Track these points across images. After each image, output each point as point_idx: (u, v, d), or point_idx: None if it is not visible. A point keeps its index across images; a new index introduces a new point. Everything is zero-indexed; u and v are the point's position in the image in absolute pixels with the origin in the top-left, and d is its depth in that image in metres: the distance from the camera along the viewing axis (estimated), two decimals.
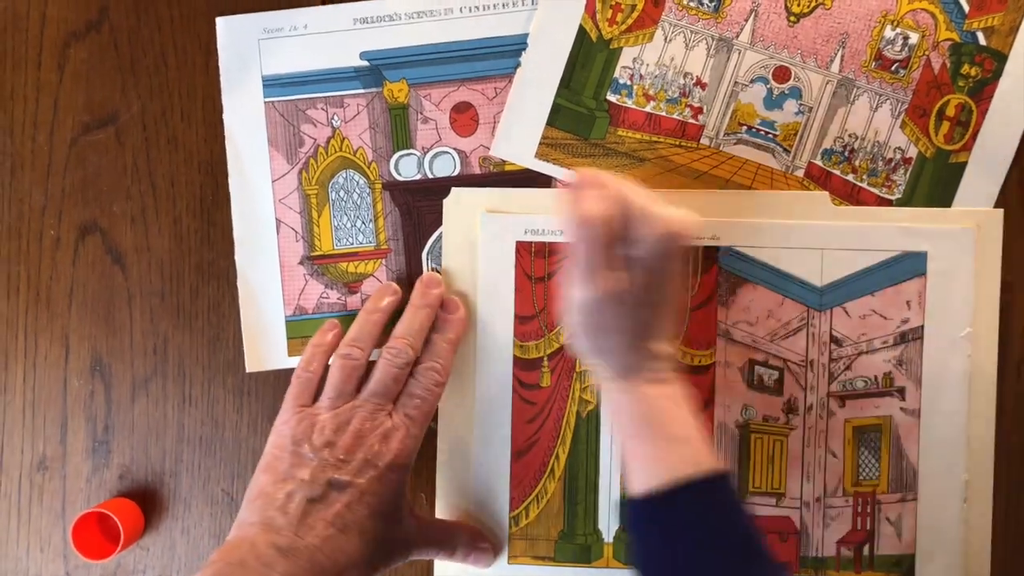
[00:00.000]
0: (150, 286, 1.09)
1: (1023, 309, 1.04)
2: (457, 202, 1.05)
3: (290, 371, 1.03)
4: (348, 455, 0.96)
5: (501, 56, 1.05)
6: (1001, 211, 1.03)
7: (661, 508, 0.89)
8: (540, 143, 1.05)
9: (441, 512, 1.07)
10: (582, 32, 1.04)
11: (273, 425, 1.00)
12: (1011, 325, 1.04)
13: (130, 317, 1.09)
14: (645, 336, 0.92)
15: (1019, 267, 1.04)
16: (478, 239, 1.05)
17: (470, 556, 1.05)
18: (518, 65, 1.04)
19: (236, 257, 1.07)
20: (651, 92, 1.05)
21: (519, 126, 1.05)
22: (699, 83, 1.04)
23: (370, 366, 1.01)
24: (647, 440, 0.92)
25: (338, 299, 1.07)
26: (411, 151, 1.06)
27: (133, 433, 1.09)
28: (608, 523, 1.06)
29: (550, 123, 1.05)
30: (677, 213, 0.91)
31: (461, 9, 1.04)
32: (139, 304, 1.09)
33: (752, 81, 1.04)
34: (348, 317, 1.05)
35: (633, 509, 0.92)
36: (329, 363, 1.03)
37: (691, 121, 1.05)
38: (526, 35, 1.04)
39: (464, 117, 1.06)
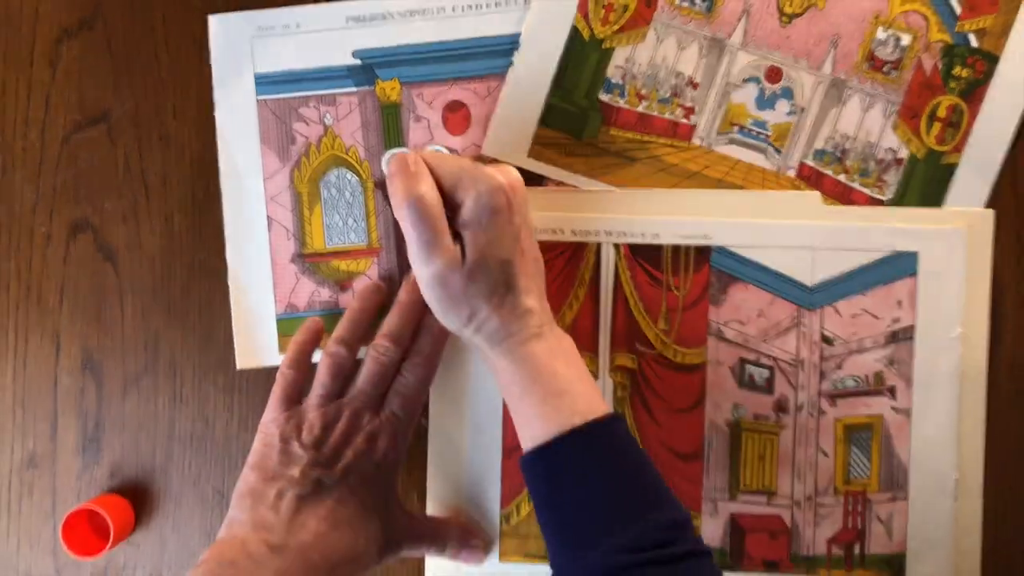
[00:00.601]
0: (141, 283, 1.09)
1: (1013, 309, 1.04)
2: None
3: None
4: (337, 452, 0.97)
5: (493, 55, 1.05)
6: (992, 212, 1.03)
7: (545, 458, 0.91)
8: (532, 142, 1.05)
9: (432, 509, 1.07)
10: (575, 32, 1.04)
11: (260, 423, 1.00)
12: (1001, 325, 1.04)
13: (121, 314, 1.09)
14: (505, 294, 0.93)
15: (1010, 268, 1.04)
16: None
17: (461, 553, 1.05)
18: (511, 64, 1.04)
19: (227, 255, 1.07)
20: (643, 92, 1.05)
21: (511, 125, 1.05)
22: (691, 83, 1.04)
23: (357, 364, 1.02)
24: (534, 399, 0.92)
25: (329, 297, 1.07)
26: (403, 149, 1.06)
27: (124, 430, 1.09)
28: None
29: (542, 122, 1.05)
30: (492, 168, 0.94)
31: (454, 8, 1.04)
32: (130, 301, 1.09)
33: (744, 81, 1.04)
34: (339, 315, 1.05)
35: (524, 465, 0.93)
36: (315, 361, 1.03)
37: (683, 121, 1.05)
38: (519, 34, 1.04)
39: (456, 116, 1.05)
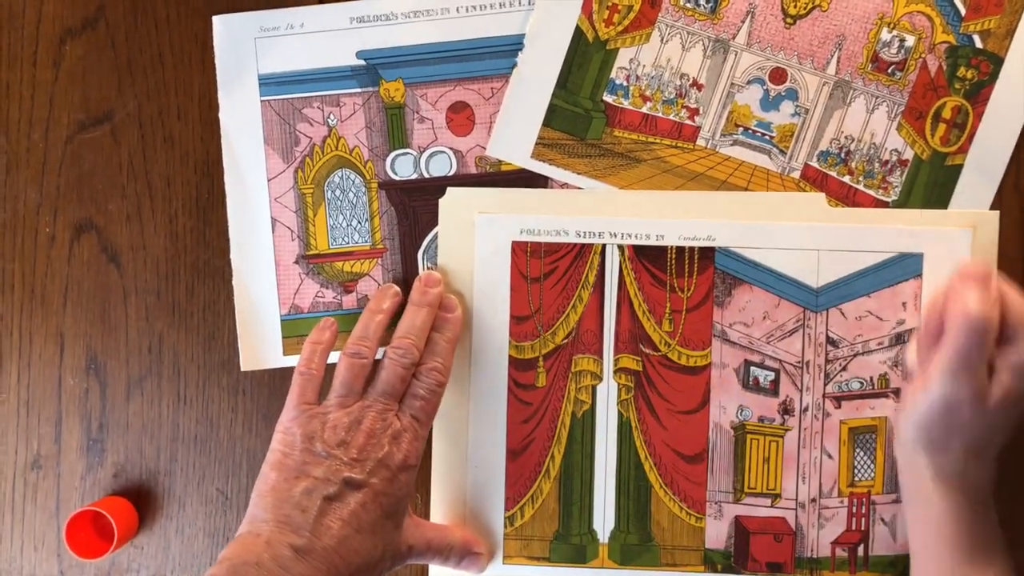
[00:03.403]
0: (145, 284, 1.09)
1: None
2: (453, 202, 1.05)
3: (285, 370, 1.03)
4: (362, 455, 0.96)
5: (497, 56, 1.05)
6: (997, 213, 1.03)
7: None
8: (536, 143, 1.05)
9: (437, 512, 1.07)
10: (578, 33, 1.04)
11: (278, 423, 0.99)
12: None
13: (125, 315, 1.09)
14: (990, 444, 0.94)
15: (1014, 270, 1.03)
16: (474, 239, 1.05)
17: (463, 561, 1.04)
18: (515, 65, 1.04)
19: (231, 256, 1.07)
20: (647, 93, 1.05)
21: (515, 126, 1.05)
22: (695, 84, 1.04)
23: (375, 366, 1.01)
24: (967, 556, 0.94)
25: (333, 298, 1.07)
26: (407, 150, 1.06)
27: (128, 432, 1.09)
28: (603, 523, 1.06)
29: (546, 123, 1.05)
30: None
31: (458, 9, 1.04)
32: (134, 302, 1.09)
33: (748, 82, 1.04)
34: (344, 317, 1.05)
35: None
36: (331, 361, 1.03)
37: (687, 122, 1.05)
38: (523, 35, 1.04)
39: (460, 117, 1.05)
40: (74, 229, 1.08)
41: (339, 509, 0.94)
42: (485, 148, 1.06)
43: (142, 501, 1.09)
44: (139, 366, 1.09)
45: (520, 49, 1.04)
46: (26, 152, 1.08)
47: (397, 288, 1.05)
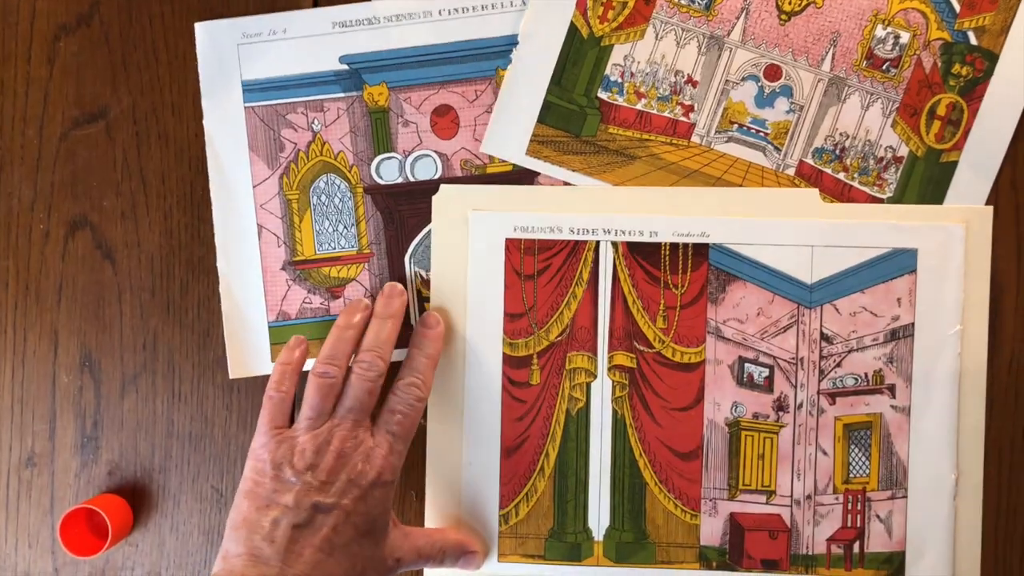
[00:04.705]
0: (140, 281, 1.09)
1: (1012, 307, 1.04)
2: (446, 199, 1.05)
3: None
4: (331, 476, 0.96)
5: (481, 59, 1.04)
6: (991, 208, 1.03)
7: None
8: (531, 140, 1.05)
9: (431, 510, 1.07)
10: (573, 29, 1.04)
11: (250, 449, 0.99)
12: (1001, 323, 1.04)
13: (120, 312, 1.09)
14: None
15: (1009, 265, 1.03)
16: (467, 237, 1.05)
17: (459, 560, 1.05)
18: (509, 62, 1.04)
19: (218, 263, 1.07)
20: (642, 90, 1.04)
21: (510, 123, 1.05)
22: (690, 81, 1.04)
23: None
24: None
25: (321, 304, 1.07)
26: (392, 154, 1.06)
27: (122, 429, 1.10)
28: (598, 521, 1.07)
29: (541, 120, 1.05)
30: None
31: (441, 12, 1.03)
32: (129, 299, 1.09)
33: (743, 79, 1.04)
34: (331, 323, 1.05)
35: None
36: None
37: (682, 119, 1.04)
38: (507, 37, 1.04)
39: (445, 120, 1.05)
40: (68, 226, 1.09)
41: (309, 536, 0.94)
42: (470, 151, 1.05)
43: (136, 499, 1.10)
44: (133, 363, 1.09)
45: (505, 51, 1.04)
46: (20, 149, 1.08)
47: (367, 302, 1.05)
